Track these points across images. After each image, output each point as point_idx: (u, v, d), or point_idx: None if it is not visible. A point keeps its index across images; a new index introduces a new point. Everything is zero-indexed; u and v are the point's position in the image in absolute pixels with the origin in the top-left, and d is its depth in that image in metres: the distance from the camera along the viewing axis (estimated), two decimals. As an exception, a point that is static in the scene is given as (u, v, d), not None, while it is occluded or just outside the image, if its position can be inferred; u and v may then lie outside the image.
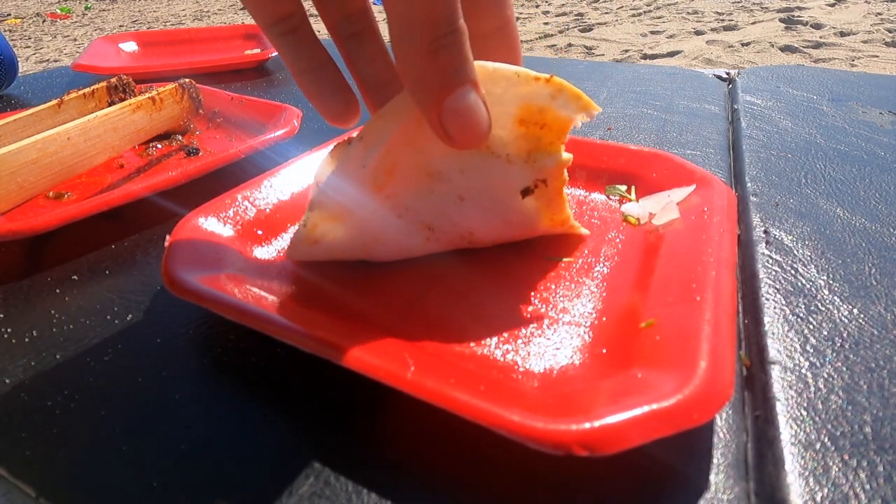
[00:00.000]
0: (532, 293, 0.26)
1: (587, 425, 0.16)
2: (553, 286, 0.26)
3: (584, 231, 0.30)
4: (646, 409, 0.17)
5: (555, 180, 0.27)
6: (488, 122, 0.21)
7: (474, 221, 0.27)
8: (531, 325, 0.24)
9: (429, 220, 0.27)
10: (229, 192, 0.31)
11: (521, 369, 0.22)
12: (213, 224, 0.29)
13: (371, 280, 0.27)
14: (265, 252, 0.29)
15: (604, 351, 0.22)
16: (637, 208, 0.31)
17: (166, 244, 0.26)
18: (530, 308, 0.25)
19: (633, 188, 0.34)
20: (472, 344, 0.23)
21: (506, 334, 0.23)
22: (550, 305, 0.25)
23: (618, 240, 0.30)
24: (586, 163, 0.36)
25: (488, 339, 0.23)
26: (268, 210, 0.31)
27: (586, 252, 0.29)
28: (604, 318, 0.24)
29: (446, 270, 0.28)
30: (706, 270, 0.23)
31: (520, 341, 0.23)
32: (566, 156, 0.26)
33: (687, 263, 0.25)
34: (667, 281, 0.24)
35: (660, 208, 0.30)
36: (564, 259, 0.28)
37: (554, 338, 0.23)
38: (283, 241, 0.30)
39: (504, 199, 0.27)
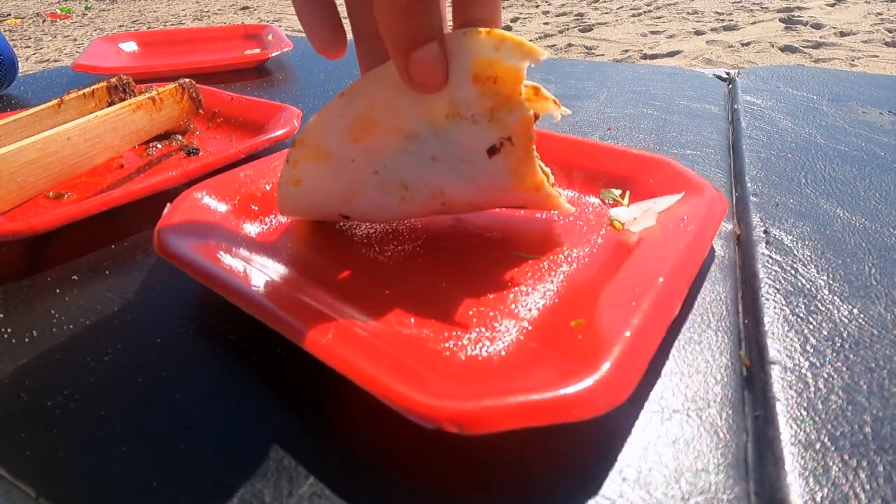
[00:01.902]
0: (489, 287, 0.26)
1: (461, 405, 0.17)
2: (510, 282, 0.27)
3: (568, 207, 0.30)
4: (520, 398, 0.17)
5: (521, 138, 0.27)
6: (446, 72, 0.24)
7: (446, 181, 0.28)
8: (476, 317, 0.25)
9: (403, 178, 0.28)
10: (231, 171, 0.34)
11: (447, 355, 0.22)
12: (211, 199, 0.31)
13: (349, 263, 0.29)
14: (258, 228, 0.32)
15: (534, 346, 0.23)
16: (625, 213, 0.31)
17: (164, 212, 0.28)
18: (481, 299, 0.26)
19: (627, 193, 0.33)
20: (413, 328, 0.24)
21: (449, 323, 0.24)
22: (502, 300, 0.26)
23: (594, 242, 0.30)
24: (585, 164, 0.36)
25: (428, 327, 0.24)
26: (265, 188, 0.34)
27: (557, 251, 0.29)
28: (546, 316, 0.25)
29: (416, 264, 0.29)
30: (654, 277, 0.23)
31: (458, 331, 0.24)
32: (529, 112, 0.26)
33: (643, 269, 0.25)
34: (616, 285, 0.25)
35: (640, 214, 0.30)
36: (532, 257, 0.29)
37: (494, 329, 0.24)
38: (275, 220, 0.33)
39: (474, 161, 0.27)
